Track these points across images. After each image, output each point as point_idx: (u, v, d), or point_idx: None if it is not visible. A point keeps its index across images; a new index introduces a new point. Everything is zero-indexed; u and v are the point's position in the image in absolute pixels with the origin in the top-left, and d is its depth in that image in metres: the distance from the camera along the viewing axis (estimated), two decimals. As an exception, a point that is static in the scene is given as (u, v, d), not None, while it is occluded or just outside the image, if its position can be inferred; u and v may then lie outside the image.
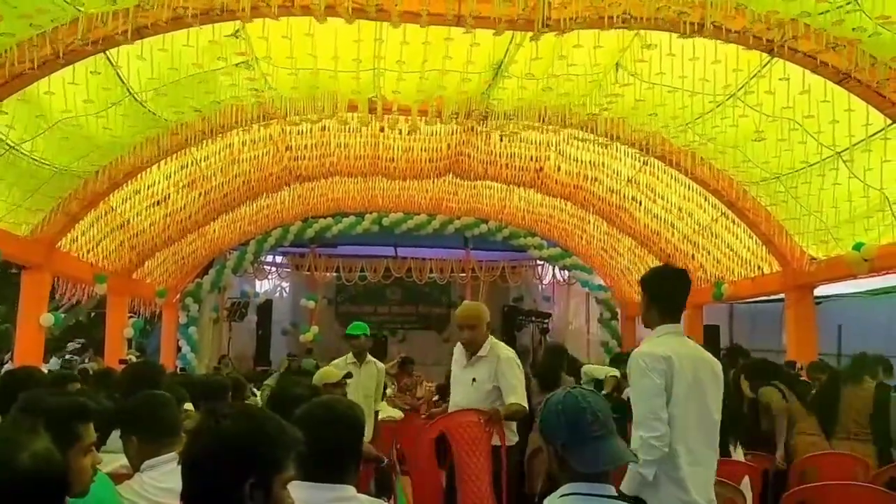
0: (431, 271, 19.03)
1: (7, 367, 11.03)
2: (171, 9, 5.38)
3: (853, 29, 5.62)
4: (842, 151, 7.34)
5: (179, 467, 1.88)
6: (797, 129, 7.28)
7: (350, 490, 2.36)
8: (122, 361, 12.58)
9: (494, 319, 20.41)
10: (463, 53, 7.01)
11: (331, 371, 5.68)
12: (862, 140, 7.04)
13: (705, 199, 10.50)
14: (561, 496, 2.24)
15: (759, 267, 10.63)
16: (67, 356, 13.74)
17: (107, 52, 6.23)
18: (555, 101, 8.23)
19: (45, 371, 8.01)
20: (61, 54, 5.76)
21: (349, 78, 7.68)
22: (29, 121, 6.82)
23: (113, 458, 3.18)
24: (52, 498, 1.57)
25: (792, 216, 8.91)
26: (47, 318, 9.60)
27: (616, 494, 2.24)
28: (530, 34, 6.51)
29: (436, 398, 10.87)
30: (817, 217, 8.45)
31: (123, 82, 7.01)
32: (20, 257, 9.21)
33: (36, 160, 7.60)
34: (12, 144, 7.09)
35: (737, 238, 10.80)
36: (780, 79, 6.73)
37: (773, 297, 11.41)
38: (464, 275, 19.24)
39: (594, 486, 2.20)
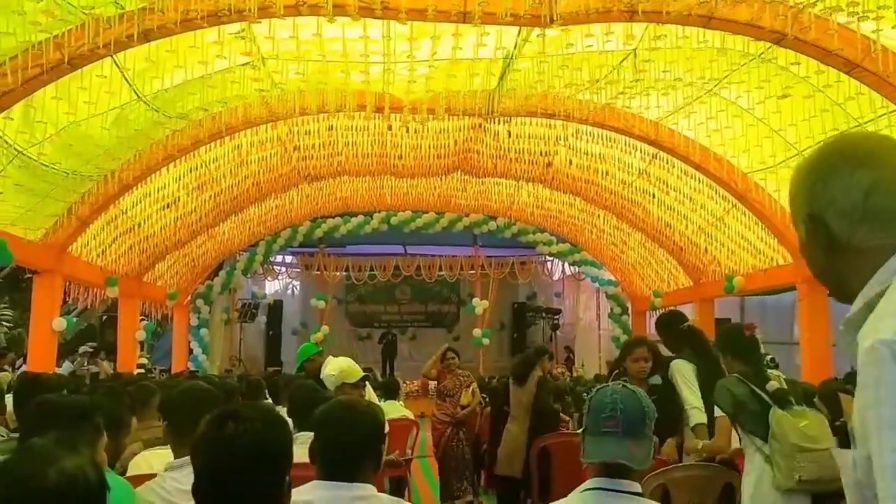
0: (440, 269, 19.07)
1: (20, 371, 11.07)
2: (180, 11, 5.38)
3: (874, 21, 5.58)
4: (866, 122, 7.24)
5: None
6: (820, 96, 7.19)
7: (371, 489, 2.36)
8: (140, 366, 12.66)
9: (504, 316, 20.71)
10: (472, 47, 7.02)
11: (351, 371, 5.60)
12: (883, 115, 6.95)
13: (716, 192, 10.46)
14: (582, 490, 2.27)
15: (772, 258, 10.58)
16: (79, 359, 13.82)
17: (114, 55, 6.24)
18: (566, 87, 8.13)
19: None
20: (69, 59, 5.78)
21: (357, 72, 7.70)
22: (37, 126, 6.83)
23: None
24: None
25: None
26: (59, 323, 9.64)
27: (639, 492, 2.24)
28: (536, 33, 6.54)
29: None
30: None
31: (131, 84, 7.02)
32: (32, 262, 9.25)
33: (46, 165, 7.62)
34: (21, 150, 7.10)
35: (749, 230, 10.76)
36: (792, 63, 6.69)
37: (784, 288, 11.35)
38: (473, 272, 19.25)
39: (614, 481, 2.22)
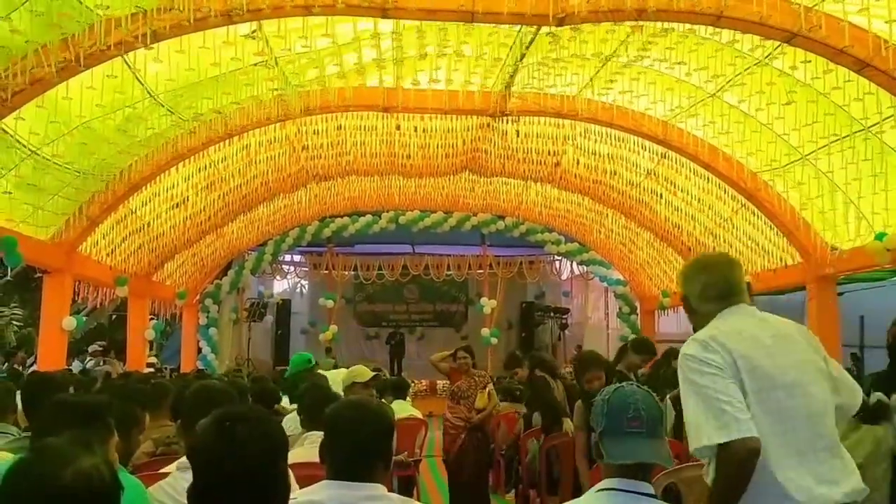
0: (449, 269, 19.06)
1: (31, 370, 11.11)
2: (191, 10, 5.39)
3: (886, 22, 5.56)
4: (871, 126, 7.22)
5: None
6: (823, 101, 7.18)
7: (381, 488, 2.35)
8: (149, 365, 12.71)
9: (512, 316, 20.66)
10: (482, 45, 7.04)
11: (361, 370, 5.58)
12: (888, 117, 6.93)
13: (725, 192, 10.43)
14: (598, 490, 2.26)
15: (781, 259, 10.54)
16: (92, 359, 13.88)
17: (124, 55, 6.25)
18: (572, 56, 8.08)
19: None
20: (80, 59, 5.79)
21: (372, 68, 7.75)
22: (49, 126, 6.86)
23: None
24: None
25: (817, 195, 8.69)
26: (69, 322, 9.67)
27: (653, 493, 2.24)
28: (546, 30, 6.54)
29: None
30: (843, 192, 8.28)
31: (142, 84, 7.04)
32: (42, 261, 9.29)
33: (58, 164, 7.65)
34: (33, 150, 7.13)
35: (758, 230, 10.72)
36: (801, 61, 6.66)
37: (794, 288, 11.31)
38: (481, 271, 19.23)
39: (631, 482, 2.22)
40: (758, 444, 2.32)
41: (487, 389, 7.39)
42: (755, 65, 7.28)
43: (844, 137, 7.58)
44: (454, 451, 7.41)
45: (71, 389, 4.93)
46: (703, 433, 2.34)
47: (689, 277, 2.78)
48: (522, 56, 7.48)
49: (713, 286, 2.68)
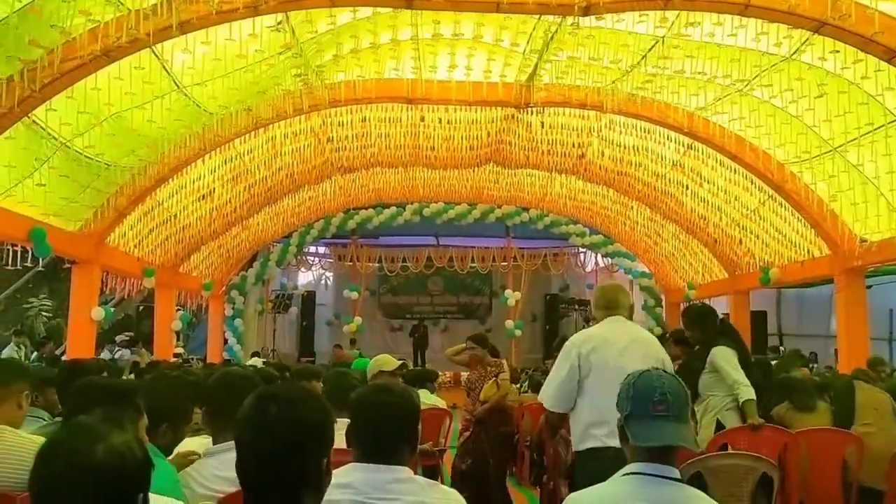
0: (473, 261, 19.05)
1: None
2: (219, 2, 5.43)
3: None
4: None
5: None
6: (855, 90, 7.09)
7: (408, 471, 2.37)
8: (176, 356, 12.83)
9: (537, 308, 20.60)
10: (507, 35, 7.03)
11: (387, 359, 5.62)
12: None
13: (752, 183, 10.33)
14: (623, 475, 2.25)
15: (808, 250, 10.44)
16: (120, 350, 14.03)
17: (152, 47, 6.30)
18: (590, 60, 8.05)
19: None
20: (107, 51, 5.84)
21: (390, 57, 7.77)
22: (78, 117, 6.92)
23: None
24: (126, 492, 1.59)
25: (846, 188, 8.58)
26: (98, 312, 9.79)
27: (679, 477, 2.22)
28: (570, 21, 6.52)
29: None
30: (873, 184, 8.18)
31: (170, 74, 7.09)
32: (71, 252, 9.40)
33: (88, 157, 7.73)
34: (64, 141, 7.21)
35: (785, 221, 10.62)
36: (830, 51, 6.58)
37: (821, 281, 11.20)
38: (505, 264, 19.21)
39: (658, 466, 2.20)
40: (553, 415, 4.06)
41: (495, 380, 6.73)
42: (782, 61, 7.21)
43: (878, 128, 7.49)
44: (460, 443, 7.08)
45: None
46: (542, 390, 4.11)
47: (596, 294, 4.30)
48: (546, 47, 7.45)
49: (603, 299, 4.13)
